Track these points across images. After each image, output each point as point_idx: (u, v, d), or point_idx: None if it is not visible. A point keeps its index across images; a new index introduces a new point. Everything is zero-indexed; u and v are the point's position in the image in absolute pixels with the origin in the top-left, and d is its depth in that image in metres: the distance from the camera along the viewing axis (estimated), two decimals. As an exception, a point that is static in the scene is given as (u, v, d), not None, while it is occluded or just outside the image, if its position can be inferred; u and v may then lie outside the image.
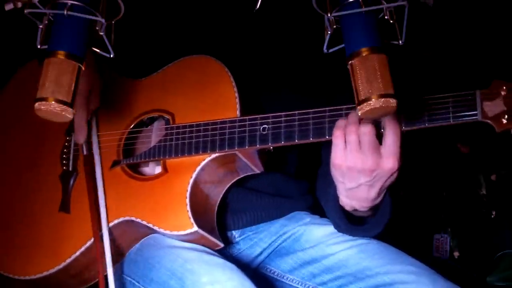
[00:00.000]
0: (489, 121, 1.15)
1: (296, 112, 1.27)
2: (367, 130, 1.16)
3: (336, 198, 1.31)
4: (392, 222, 1.34)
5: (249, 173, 1.39)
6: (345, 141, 1.19)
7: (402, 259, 1.37)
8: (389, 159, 1.17)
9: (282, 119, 1.27)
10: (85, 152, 1.42)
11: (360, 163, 1.18)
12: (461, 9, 2.35)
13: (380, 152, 1.17)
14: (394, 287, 1.30)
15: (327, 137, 1.24)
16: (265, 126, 1.29)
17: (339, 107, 1.24)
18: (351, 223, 1.35)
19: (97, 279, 1.38)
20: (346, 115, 1.22)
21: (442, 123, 1.18)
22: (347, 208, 1.30)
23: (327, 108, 1.25)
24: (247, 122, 1.30)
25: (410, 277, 1.30)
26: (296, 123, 1.26)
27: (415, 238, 2.41)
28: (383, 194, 1.26)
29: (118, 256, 1.41)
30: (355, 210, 1.30)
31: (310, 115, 1.25)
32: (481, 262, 2.35)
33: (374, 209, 1.30)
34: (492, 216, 2.34)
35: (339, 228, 1.41)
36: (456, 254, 2.27)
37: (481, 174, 2.30)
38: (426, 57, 2.42)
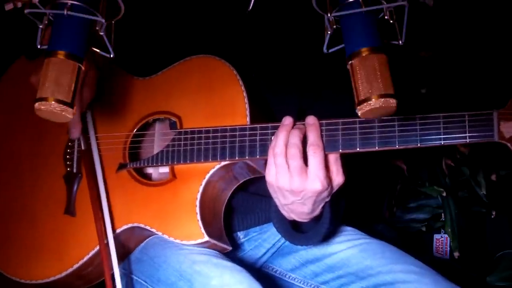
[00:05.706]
0: (506, 142, 1.13)
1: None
2: (293, 153, 1.17)
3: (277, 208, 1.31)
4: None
5: (256, 176, 1.37)
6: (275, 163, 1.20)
7: (404, 259, 1.37)
8: (314, 182, 1.18)
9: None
10: (83, 147, 1.38)
11: (288, 184, 1.19)
12: (461, 9, 2.35)
13: (307, 173, 1.18)
14: (396, 286, 1.30)
15: (340, 150, 1.22)
16: None
17: (352, 119, 1.21)
18: (293, 230, 1.34)
19: (102, 278, 1.37)
20: (360, 127, 1.21)
21: (458, 141, 1.17)
22: (288, 218, 1.31)
23: (340, 120, 1.22)
24: (258, 131, 1.27)
25: (412, 277, 1.30)
26: None
27: (415, 238, 2.41)
28: (320, 207, 1.26)
29: (122, 256, 1.40)
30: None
31: (324, 127, 1.23)
32: (481, 262, 2.35)
33: (316, 219, 1.30)
34: (492, 216, 2.34)
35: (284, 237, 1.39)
36: (456, 254, 2.27)
37: (481, 174, 2.29)
38: (426, 57, 2.42)
